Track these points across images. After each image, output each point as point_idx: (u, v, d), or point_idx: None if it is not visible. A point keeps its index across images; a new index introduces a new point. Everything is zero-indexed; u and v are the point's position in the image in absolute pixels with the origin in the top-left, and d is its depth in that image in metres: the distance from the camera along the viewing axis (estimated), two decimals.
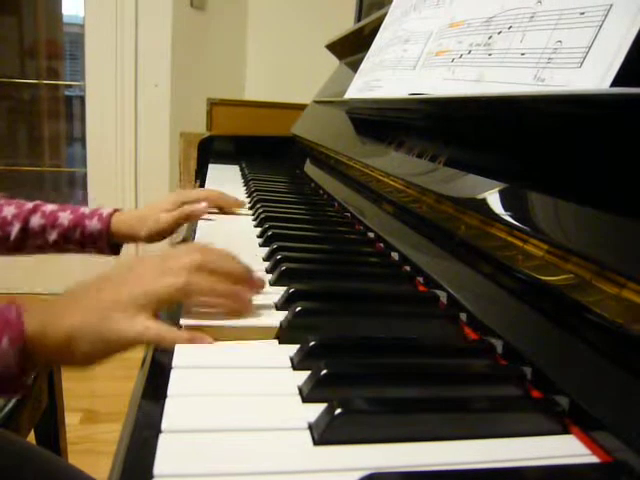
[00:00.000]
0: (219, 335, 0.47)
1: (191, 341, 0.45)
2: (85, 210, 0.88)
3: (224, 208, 0.95)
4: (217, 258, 0.52)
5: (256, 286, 0.55)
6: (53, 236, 0.84)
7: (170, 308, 0.50)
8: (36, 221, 0.84)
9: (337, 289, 0.59)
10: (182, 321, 0.49)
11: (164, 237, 0.90)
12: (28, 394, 0.44)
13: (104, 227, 0.86)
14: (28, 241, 0.85)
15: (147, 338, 0.45)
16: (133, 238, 0.89)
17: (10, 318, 0.45)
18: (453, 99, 0.62)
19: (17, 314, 0.45)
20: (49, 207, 0.87)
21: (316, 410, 0.35)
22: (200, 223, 0.87)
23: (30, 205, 0.86)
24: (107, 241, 0.88)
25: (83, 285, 0.50)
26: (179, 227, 0.90)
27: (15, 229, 0.82)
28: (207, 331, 0.47)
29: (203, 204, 0.88)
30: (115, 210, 0.90)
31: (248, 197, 1.13)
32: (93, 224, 0.86)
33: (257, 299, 0.56)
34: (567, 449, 0.35)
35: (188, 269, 0.48)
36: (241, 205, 0.99)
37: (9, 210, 0.83)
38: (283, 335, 0.49)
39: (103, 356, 0.46)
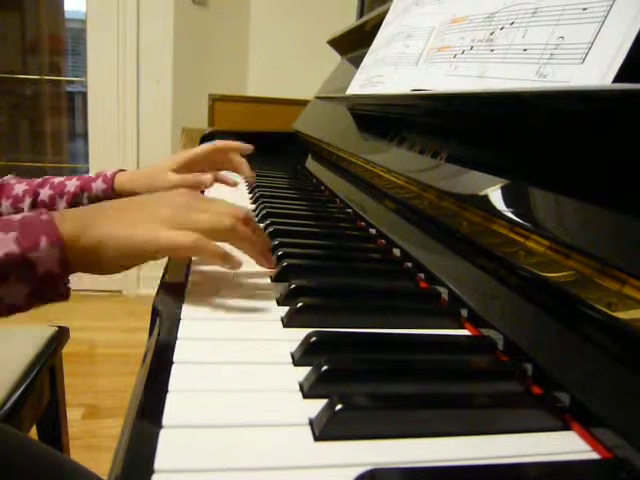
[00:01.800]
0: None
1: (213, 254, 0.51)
2: (92, 175, 0.88)
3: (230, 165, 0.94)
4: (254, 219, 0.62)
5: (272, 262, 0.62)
6: (62, 205, 0.84)
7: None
8: (45, 193, 0.83)
9: (338, 285, 0.59)
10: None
11: None
12: (68, 296, 0.48)
13: (108, 187, 0.86)
14: None
15: (167, 245, 0.49)
16: None
17: (44, 221, 0.46)
18: (455, 95, 0.61)
19: (50, 217, 0.47)
20: (57, 179, 0.87)
21: (317, 406, 0.35)
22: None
23: (40, 180, 0.86)
24: None
25: (119, 201, 0.55)
26: None
27: (26, 204, 0.83)
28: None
29: (208, 176, 0.87)
30: (120, 170, 0.89)
31: (250, 193, 1.13)
32: (98, 185, 0.85)
33: (258, 295, 0.56)
34: (568, 445, 0.35)
35: (236, 217, 0.55)
36: (247, 150, 0.96)
37: (20, 187, 0.84)
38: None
39: (127, 264, 0.50)
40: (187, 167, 0.88)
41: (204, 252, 0.52)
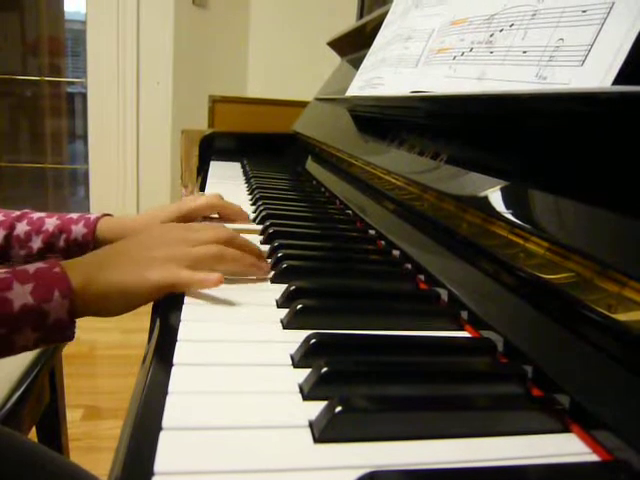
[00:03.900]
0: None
1: (204, 282, 0.54)
2: (73, 216, 0.83)
3: (226, 218, 0.90)
4: (238, 235, 0.64)
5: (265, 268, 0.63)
6: (37, 244, 0.80)
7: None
8: (22, 228, 0.80)
9: (338, 287, 0.59)
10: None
11: None
12: (72, 338, 0.53)
13: (89, 232, 0.81)
14: (12, 250, 0.80)
15: (168, 281, 0.53)
16: None
17: (57, 274, 0.51)
18: (454, 97, 0.62)
19: (62, 270, 0.51)
20: (37, 214, 0.83)
21: (317, 408, 0.35)
22: None
23: (18, 212, 0.82)
24: (93, 248, 0.80)
25: (120, 244, 0.59)
26: None
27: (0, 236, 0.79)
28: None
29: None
30: (104, 215, 0.84)
31: (249, 194, 1.13)
32: (78, 229, 0.81)
33: (258, 296, 0.56)
34: (568, 448, 0.35)
35: (221, 241, 0.60)
36: (245, 217, 0.92)
37: None
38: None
39: (133, 306, 0.54)
40: (184, 219, 0.84)
41: (201, 284, 0.55)
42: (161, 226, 0.64)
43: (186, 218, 0.84)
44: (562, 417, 0.37)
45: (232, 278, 0.61)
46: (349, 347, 0.45)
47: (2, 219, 0.81)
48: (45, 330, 0.50)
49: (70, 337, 0.52)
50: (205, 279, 0.54)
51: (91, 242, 0.81)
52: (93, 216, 0.84)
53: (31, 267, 0.51)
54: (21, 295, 0.48)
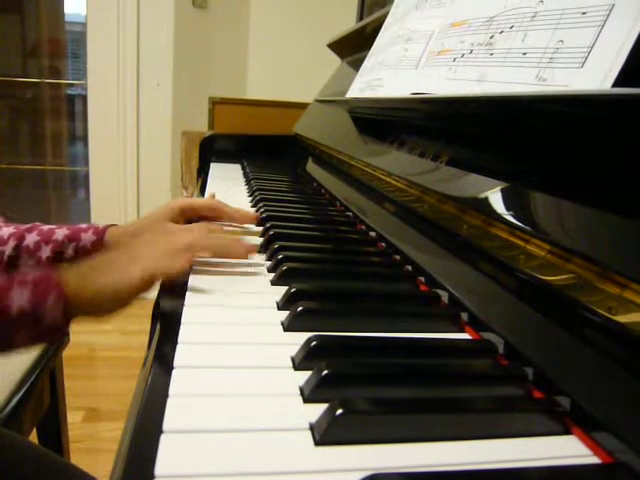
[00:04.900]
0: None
1: (176, 267, 0.58)
2: (83, 225, 0.85)
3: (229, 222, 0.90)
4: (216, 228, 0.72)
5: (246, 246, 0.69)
6: (47, 253, 0.81)
7: None
8: (31, 238, 0.81)
9: (338, 289, 0.59)
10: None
11: None
12: (63, 337, 0.60)
13: (98, 239, 0.82)
14: (21, 260, 0.81)
15: (148, 271, 0.57)
16: None
17: (52, 281, 0.54)
18: (454, 99, 0.62)
19: (57, 277, 0.55)
20: (47, 226, 0.84)
21: (317, 410, 0.35)
22: None
23: (29, 225, 0.84)
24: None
25: (112, 252, 0.66)
26: None
27: (9, 246, 0.80)
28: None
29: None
30: (112, 225, 0.86)
31: (250, 196, 1.13)
32: (88, 236, 0.82)
33: (259, 299, 0.56)
34: (568, 450, 0.35)
35: (192, 235, 0.66)
36: (250, 219, 0.91)
37: (7, 230, 0.82)
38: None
39: (124, 304, 0.58)
40: (183, 215, 0.86)
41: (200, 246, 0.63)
42: (149, 232, 0.72)
43: (185, 215, 0.86)
44: (563, 419, 0.37)
45: (232, 279, 0.61)
46: (350, 349, 0.45)
47: (13, 231, 0.82)
48: (40, 331, 0.53)
49: (62, 338, 0.57)
50: (177, 265, 0.59)
51: (99, 250, 0.82)
52: (102, 225, 0.85)
53: (29, 273, 0.55)
54: (18, 299, 0.52)
